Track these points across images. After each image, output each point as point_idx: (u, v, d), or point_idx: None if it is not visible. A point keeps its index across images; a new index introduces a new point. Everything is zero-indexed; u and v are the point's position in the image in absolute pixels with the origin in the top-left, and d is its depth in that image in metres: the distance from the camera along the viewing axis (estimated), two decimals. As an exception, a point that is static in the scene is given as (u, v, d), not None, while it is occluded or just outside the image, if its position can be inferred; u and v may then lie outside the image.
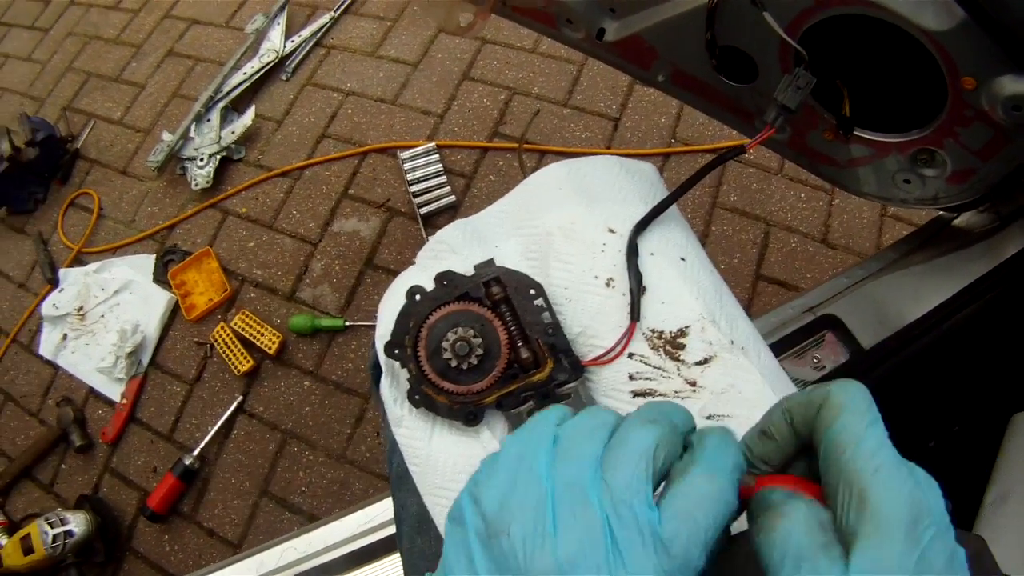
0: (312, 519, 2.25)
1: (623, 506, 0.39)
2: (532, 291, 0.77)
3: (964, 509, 1.30)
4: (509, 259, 0.82)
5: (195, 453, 2.39)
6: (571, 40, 1.14)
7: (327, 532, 1.49)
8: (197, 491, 2.42)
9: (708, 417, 0.71)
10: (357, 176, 2.84)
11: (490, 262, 0.79)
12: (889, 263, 1.36)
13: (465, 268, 0.80)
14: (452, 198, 2.61)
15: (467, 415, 0.74)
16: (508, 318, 0.76)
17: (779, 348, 1.30)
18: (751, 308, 2.27)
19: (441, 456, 0.77)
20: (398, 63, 3.08)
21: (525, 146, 2.67)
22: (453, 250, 0.85)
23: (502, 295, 0.76)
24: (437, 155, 2.70)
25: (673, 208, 0.86)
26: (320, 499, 2.30)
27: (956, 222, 1.33)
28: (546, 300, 0.77)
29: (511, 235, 0.85)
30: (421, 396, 0.74)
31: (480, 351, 0.73)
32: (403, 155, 2.72)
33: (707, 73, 1.01)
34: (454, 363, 0.73)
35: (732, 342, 0.74)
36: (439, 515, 0.76)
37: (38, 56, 3.86)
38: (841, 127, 0.94)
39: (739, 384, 0.72)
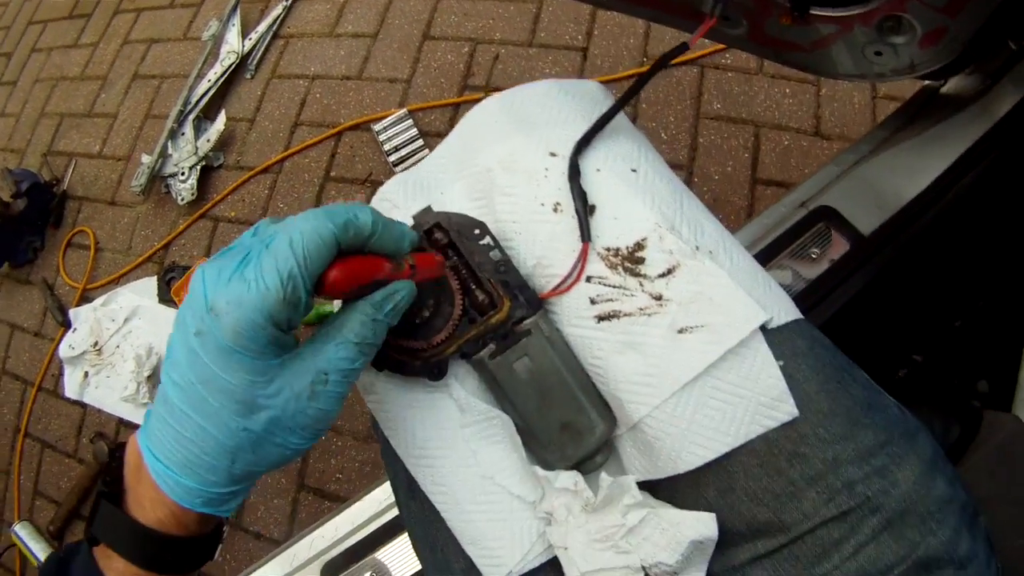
0: (352, 503, 2.26)
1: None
2: (477, 231, 0.73)
3: (1001, 388, 1.26)
4: (456, 204, 0.79)
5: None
6: None
7: (351, 514, 1.48)
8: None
9: (680, 331, 0.67)
10: (336, 157, 2.82)
11: (427, 209, 0.76)
12: (879, 143, 1.31)
13: (409, 222, 0.76)
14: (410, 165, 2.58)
15: (430, 370, 0.71)
16: (456, 262, 0.72)
17: (776, 247, 1.26)
18: (752, 213, 2.22)
19: (414, 418, 0.75)
20: (357, 37, 3.05)
21: (491, 93, 2.60)
22: (396, 206, 0.82)
23: (446, 240, 0.72)
24: (410, 120, 2.69)
25: (623, 122, 0.82)
26: (355, 482, 2.31)
27: (944, 90, 1.28)
28: (493, 237, 0.73)
29: (454, 179, 0.82)
30: (381, 359, 0.70)
31: (432, 302, 0.69)
32: (377, 127, 2.71)
33: None
34: (409, 319, 0.69)
35: (697, 248, 0.71)
36: (423, 477, 0.75)
37: (10, 110, 3.89)
38: (796, 8, 0.89)
39: (708, 291, 0.69)
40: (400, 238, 0.62)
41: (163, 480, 0.56)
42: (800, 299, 1.17)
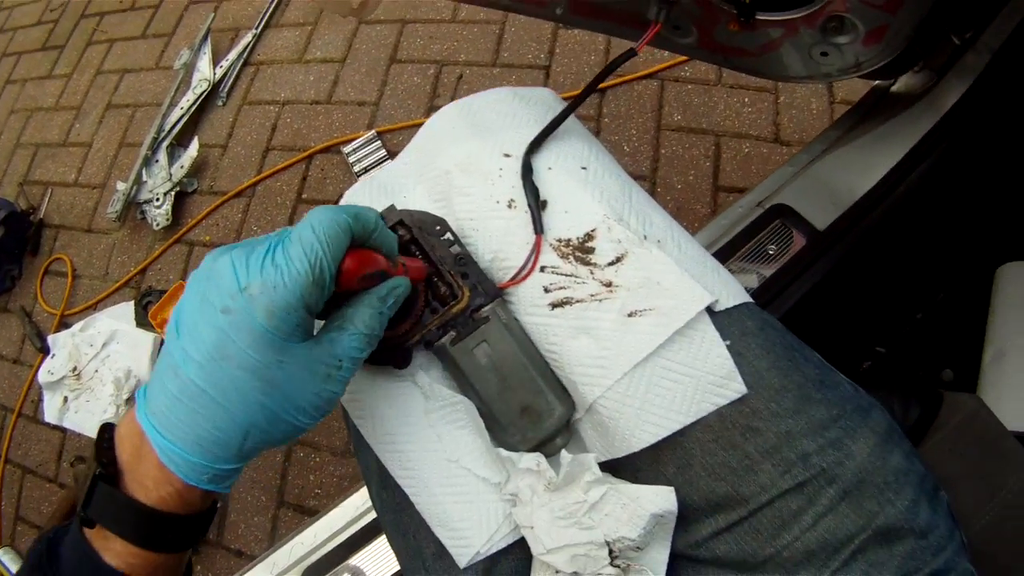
0: (331, 518, 2.27)
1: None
2: (438, 227, 0.78)
3: (965, 375, 1.30)
4: (418, 204, 0.83)
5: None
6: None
7: (330, 520, 1.50)
8: (219, 516, 2.44)
9: (630, 315, 0.71)
10: (308, 180, 2.86)
11: (391, 208, 0.79)
12: (832, 142, 1.35)
13: None
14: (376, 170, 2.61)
15: (396, 358, 0.75)
16: (418, 257, 0.76)
17: (734, 247, 1.30)
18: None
19: (382, 406, 0.78)
20: (326, 63, 3.10)
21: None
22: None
23: (408, 236, 0.76)
24: (379, 142, 2.73)
25: (575, 125, 0.87)
26: (334, 497, 2.25)
27: (894, 88, 1.32)
28: (453, 233, 0.78)
29: (416, 183, 0.86)
30: None
31: None
32: (346, 149, 2.76)
33: None
34: None
35: (645, 237, 0.75)
36: (392, 463, 0.78)
37: (-13, 141, 3.90)
38: (742, 15, 0.93)
39: (655, 276, 0.72)
40: (393, 238, 0.67)
41: (169, 458, 0.57)
42: (759, 295, 1.21)
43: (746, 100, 2.40)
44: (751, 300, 0.74)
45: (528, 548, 0.72)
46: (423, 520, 0.76)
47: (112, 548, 0.59)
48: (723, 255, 1.28)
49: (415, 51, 2.94)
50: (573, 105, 0.85)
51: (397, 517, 0.80)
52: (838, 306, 1.29)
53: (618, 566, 0.67)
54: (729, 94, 2.43)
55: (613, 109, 2.53)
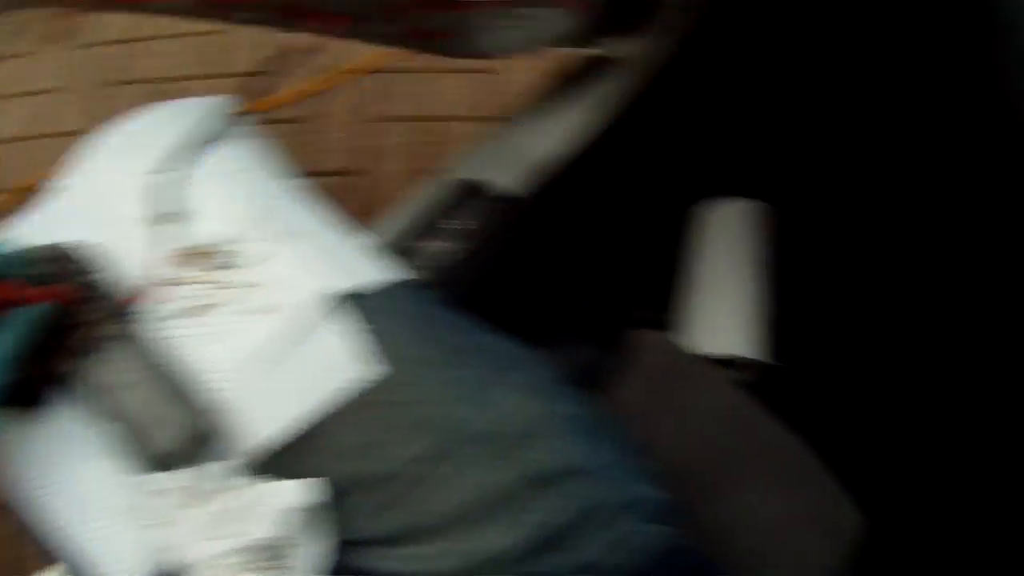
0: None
1: None
2: (67, 255, 0.76)
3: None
4: (65, 235, 0.80)
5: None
6: (172, 9, 1.15)
7: None
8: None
9: (257, 312, 0.72)
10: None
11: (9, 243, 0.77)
12: (527, 114, 1.40)
13: None
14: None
15: (22, 399, 0.73)
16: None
17: (422, 227, 1.27)
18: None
19: (22, 453, 0.76)
20: (45, 94, 2.96)
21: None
22: None
23: (32, 271, 0.73)
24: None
25: (232, 130, 0.87)
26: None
27: (601, 54, 1.36)
28: (81, 260, 0.76)
29: (65, 212, 0.85)
30: None
31: None
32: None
33: None
34: None
35: (283, 234, 0.76)
36: (43, 510, 0.75)
37: None
38: None
39: (284, 272, 0.74)
40: (17, 266, 0.69)
41: None
42: (449, 271, 1.19)
43: (465, 83, 2.51)
44: (402, 280, 0.78)
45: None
46: (80, 565, 0.73)
47: None
48: (409, 237, 1.25)
49: (139, 71, 2.85)
50: (215, 113, 0.86)
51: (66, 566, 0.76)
52: (540, 267, 1.34)
53: (271, 567, 0.66)
54: (454, 80, 2.52)
55: (323, 109, 2.56)
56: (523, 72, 2.38)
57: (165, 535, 0.69)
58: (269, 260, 0.75)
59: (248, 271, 0.75)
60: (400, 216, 1.33)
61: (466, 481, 0.67)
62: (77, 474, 0.74)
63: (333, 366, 0.69)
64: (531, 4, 0.97)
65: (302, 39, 1.05)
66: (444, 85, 2.52)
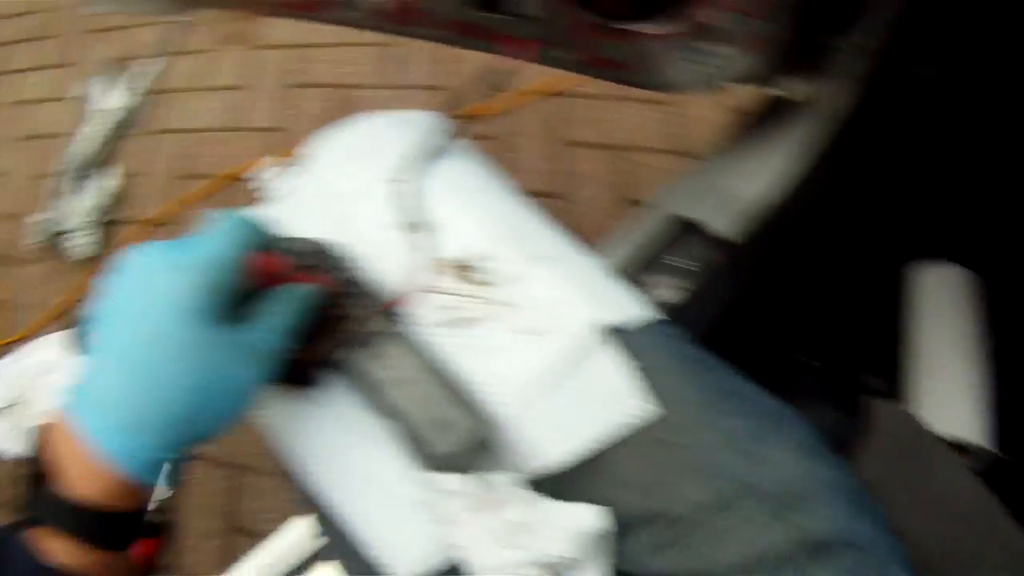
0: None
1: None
2: (327, 252, 0.79)
3: (890, 378, 1.31)
4: (306, 232, 0.82)
5: (153, 508, 2.29)
6: (352, 20, 1.11)
7: (276, 546, 1.48)
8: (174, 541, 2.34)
9: (526, 333, 0.70)
10: (221, 206, 2.74)
11: (278, 235, 0.79)
12: (728, 151, 1.32)
13: None
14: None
15: (298, 380, 0.76)
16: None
17: (642, 262, 1.21)
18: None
19: (295, 433, 0.78)
20: (232, 90, 3.09)
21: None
22: None
23: (297, 262, 0.77)
24: (288, 167, 2.63)
25: (466, 146, 0.87)
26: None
27: (783, 94, 1.25)
28: (342, 258, 0.79)
29: (304, 209, 0.86)
30: None
31: None
32: (256, 175, 2.65)
33: (466, 13, 0.99)
34: None
35: (538, 256, 0.75)
36: (320, 489, 0.77)
37: None
38: (609, 27, 0.92)
39: (549, 294, 0.72)
40: (291, 255, 0.72)
41: (94, 445, 0.58)
42: (673, 310, 1.14)
43: (653, 115, 2.46)
44: (659, 316, 0.75)
45: (457, 569, 0.71)
46: (354, 544, 0.75)
47: (53, 547, 0.59)
48: (632, 270, 1.20)
49: (320, 76, 2.95)
50: (454, 126, 0.86)
51: (331, 541, 0.78)
52: (757, 317, 1.29)
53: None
54: (637, 109, 2.49)
55: (520, 127, 2.58)
56: (703, 107, 2.39)
57: (452, 534, 0.72)
58: (526, 281, 0.73)
59: (506, 289, 0.73)
60: (618, 246, 1.27)
61: (745, 536, 0.65)
62: (355, 457, 0.75)
63: (611, 398, 0.68)
64: (710, 40, 0.92)
65: (502, 60, 1.03)
66: (624, 113, 2.52)
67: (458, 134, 0.88)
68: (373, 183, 0.82)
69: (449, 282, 0.75)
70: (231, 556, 2.31)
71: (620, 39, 0.96)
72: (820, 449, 0.70)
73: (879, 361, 1.34)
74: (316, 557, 1.45)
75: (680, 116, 2.42)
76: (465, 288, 0.74)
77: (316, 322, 0.73)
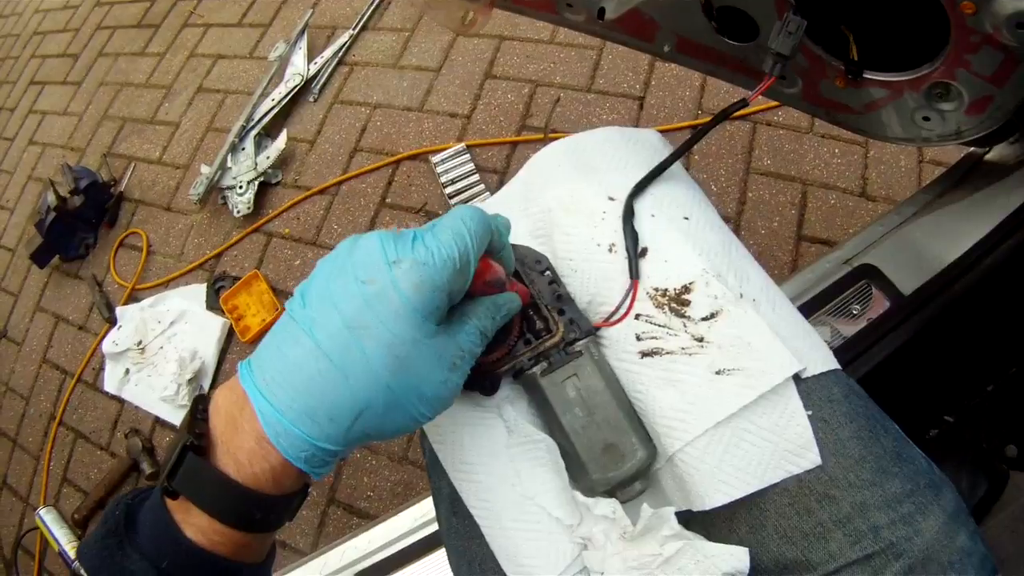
0: (380, 522, 2.28)
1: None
2: (538, 263, 0.79)
3: None
4: (520, 239, 0.84)
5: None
6: (574, 23, 1.15)
7: (386, 528, 1.49)
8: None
9: (717, 372, 0.70)
10: (393, 185, 2.88)
11: None
12: (923, 206, 1.33)
13: None
14: (487, 194, 2.63)
15: (484, 385, 0.75)
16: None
17: (818, 302, 1.28)
18: (795, 270, 2.23)
19: (463, 434, 0.78)
20: (420, 71, 3.13)
21: (551, 135, 2.67)
22: None
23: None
24: (468, 155, 2.74)
25: (679, 171, 0.87)
26: (386, 502, 2.33)
27: (988, 157, 1.30)
28: (553, 271, 0.79)
29: (519, 218, 0.87)
30: None
31: None
32: (435, 159, 2.77)
33: (710, 37, 1.01)
34: None
35: (741, 295, 0.74)
36: (467, 492, 0.78)
37: (74, 109, 4.02)
38: (850, 72, 0.92)
39: (747, 336, 0.72)
40: (512, 259, 0.70)
41: (272, 428, 0.56)
42: (839, 354, 1.13)
43: (836, 151, 2.39)
44: (839, 367, 0.74)
45: None
46: (491, 552, 0.76)
47: (194, 522, 0.58)
48: (807, 310, 1.27)
49: (511, 68, 2.96)
50: (678, 152, 0.86)
51: (465, 544, 0.80)
52: (914, 372, 1.27)
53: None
54: (819, 143, 2.42)
55: (704, 148, 2.52)
56: (890, 151, 2.30)
57: (596, 558, 0.71)
58: (728, 319, 0.74)
59: (707, 325, 0.74)
60: (796, 284, 1.31)
61: None
62: (511, 469, 0.76)
63: (788, 447, 0.68)
64: (940, 98, 0.91)
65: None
66: (808, 146, 2.44)
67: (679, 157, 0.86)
68: (591, 199, 0.81)
69: (652, 310, 0.75)
70: (326, 527, 2.38)
71: (855, 84, 0.95)
72: (967, 520, 0.69)
73: (1020, 431, 1.29)
74: (419, 550, 1.46)
75: (865, 157, 2.33)
76: (667, 318, 0.74)
77: (506, 331, 0.72)
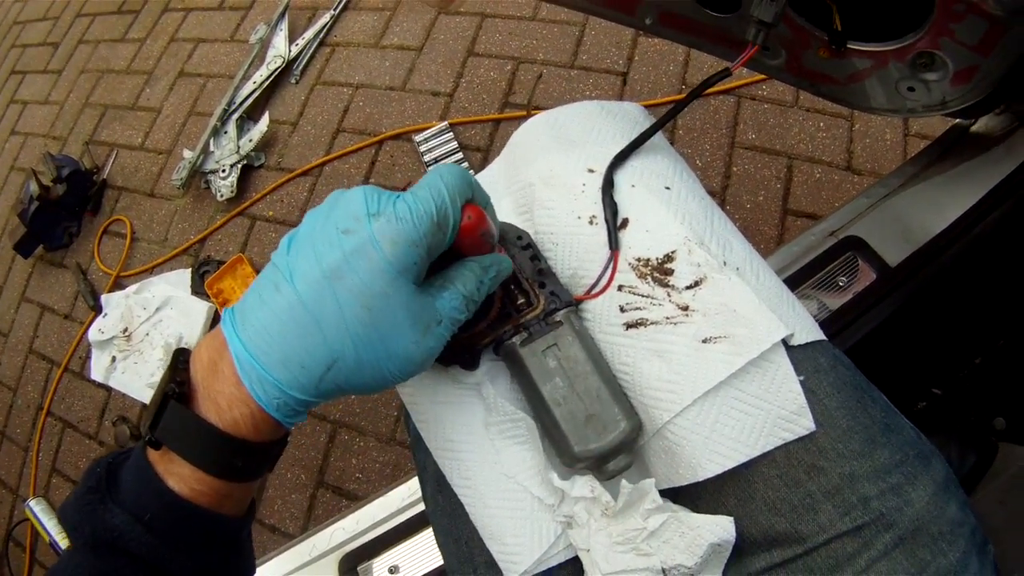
0: (370, 504, 2.28)
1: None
2: (520, 238, 0.78)
3: (1018, 425, 1.27)
4: (503, 218, 0.83)
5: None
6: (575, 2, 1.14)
7: (373, 509, 1.49)
8: (256, 490, 2.42)
9: (704, 341, 0.70)
10: (376, 165, 2.87)
11: None
12: (909, 178, 1.34)
13: None
14: (470, 173, 2.59)
15: (464, 359, 0.74)
16: None
17: (804, 275, 1.30)
18: (781, 244, 2.23)
19: (444, 412, 0.78)
20: (402, 50, 3.10)
21: (533, 112, 2.63)
22: None
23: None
24: (451, 133, 2.73)
25: (661, 142, 0.86)
26: (375, 483, 2.32)
27: (974, 128, 1.30)
28: (534, 246, 0.78)
29: (503, 196, 0.87)
30: None
31: None
32: (418, 138, 2.76)
33: (693, 9, 1.01)
34: None
35: (724, 263, 0.74)
36: (450, 470, 0.78)
37: (55, 97, 3.98)
38: (833, 42, 0.92)
39: (732, 303, 0.71)
40: (497, 221, 0.68)
41: (247, 373, 0.57)
42: (825, 326, 1.16)
43: (821, 124, 2.38)
44: (824, 337, 0.74)
45: (578, 565, 0.72)
46: (476, 530, 0.76)
47: (177, 472, 0.58)
48: (793, 283, 1.27)
49: (493, 46, 2.94)
50: (659, 123, 0.85)
51: (451, 523, 0.80)
52: (901, 344, 1.28)
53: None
54: (804, 117, 2.41)
55: (688, 122, 2.51)
56: (874, 123, 2.30)
57: (580, 535, 0.70)
58: (713, 287, 0.72)
59: (684, 293, 0.73)
60: (781, 257, 1.33)
61: (872, 567, 0.65)
62: (490, 447, 0.76)
63: (776, 412, 0.68)
64: (925, 68, 0.92)
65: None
66: (793, 120, 2.43)
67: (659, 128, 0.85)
68: (571, 172, 0.80)
69: (635, 280, 0.74)
70: (315, 510, 2.37)
71: (839, 55, 0.95)
72: (956, 490, 0.70)
73: (1008, 402, 1.29)
74: (407, 529, 1.46)
75: (850, 130, 2.33)
76: (650, 288, 0.74)
77: (487, 306, 0.72)
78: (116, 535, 0.58)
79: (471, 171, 0.89)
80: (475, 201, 0.63)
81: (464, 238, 0.62)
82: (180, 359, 0.61)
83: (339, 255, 0.56)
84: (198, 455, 0.58)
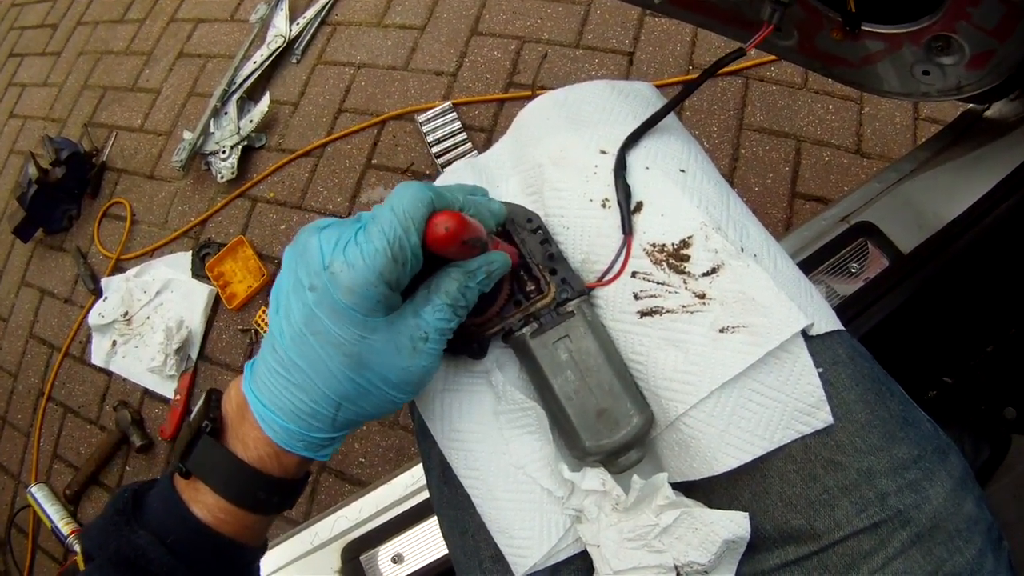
0: (373, 488, 2.27)
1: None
2: (530, 221, 0.75)
3: None
4: (511, 197, 0.81)
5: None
6: None
7: (377, 496, 1.48)
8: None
9: (721, 330, 0.67)
10: (379, 145, 2.84)
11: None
12: (922, 163, 1.32)
13: None
14: (474, 153, 2.58)
15: (472, 348, 0.73)
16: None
17: (816, 261, 1.28)
18: (790, 227, 2.21)
19: (452, 401, 0.76)
20: (405, 29, 3.06)
21: (538, 92, 2.61)
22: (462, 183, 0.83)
23: (499, 228, 0.73)
24: (454, 113, 2.70)
25: (675, 123, 0.83)
26: (377, 467, 2.31)
27: (987, 114, 1.28)
28: (544, 230, 0.75)
29: (510, 174, 0.84)
30: None
31: None
32: (421, 118, 2.72)
33: None
34: None
35: (742, 249, 0.71)
36: (457, 461, 0.76)
37: (53, 80, 3.95)
38: (847, 24, 0.90)
39: (750, 291, 0.69)
40: (488, 215, 0.67)
41: (268, 424, 0.61)
42: (837, 313, 1.13)
43: (830, 107, 2.35)
44: (843, 328, 0.72)
45: (587, 560, 0.71)
46: (483, 522, 0.75)
47: (202, 500, 0.63)
48: (804, 268, 1.22)
49: (497, 25, 2.90)
50: (673, 102, 0.82)
51: (457, 514, 0.78)
52: (913, 332, 1.26)
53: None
54: (814, 99, 2.38)
55: (696, 103, 2.47)
56: (884, 107, 2.27)
57: (590, 530, 0.69)
58: (730, 274, 0.70)
59: (700, 280, 0.70)
60: (792, 242, 1.30)
61: (889, 564, 0.63)
62: (500, 438, 0.74)
63: (794, 404, 0.66)
64: (941, 52, 0.91)
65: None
66: (802, 102, 2.40)
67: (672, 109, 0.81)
68: (582, 153, 0.77)
69: (650, 266, 0.72)
70: (318, 495, 2.35)
71: (853, 37, 0.92)
72: (973, 486, 0.69)
73: (1019, 392, 1.26)
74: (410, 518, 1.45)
75: (860, 113, 2.29)
76: (666, 275, 0.71)
77: (495, 292, 0.70)
78: (139, 554, 0.61)
79: (480, 160, 0.89)
80: (451, 207, 0.62)
81: (445, 248, 0.60)
82: (213, 397, 0.67)
83: (308, 312, 0.58)
84: (224, 485, 0.63)
